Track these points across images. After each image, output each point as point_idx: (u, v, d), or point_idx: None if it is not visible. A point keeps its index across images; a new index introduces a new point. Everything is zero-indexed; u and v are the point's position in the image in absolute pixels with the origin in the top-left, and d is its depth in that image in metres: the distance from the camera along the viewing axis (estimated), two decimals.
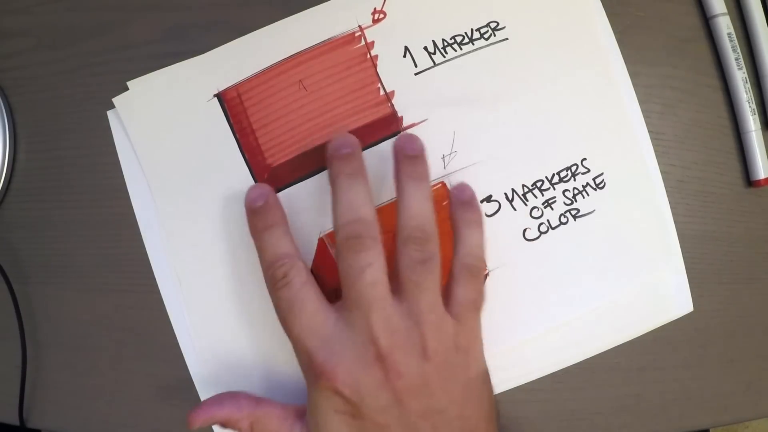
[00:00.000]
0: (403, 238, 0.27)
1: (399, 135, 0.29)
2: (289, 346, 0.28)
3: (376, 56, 0.32)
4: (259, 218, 0.28)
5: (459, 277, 0.28)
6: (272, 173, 0.32)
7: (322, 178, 0.32)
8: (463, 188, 0.30)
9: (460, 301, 0.28)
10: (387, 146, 0.32)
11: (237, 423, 0.28)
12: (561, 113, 0.32)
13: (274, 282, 0.27)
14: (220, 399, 0.29)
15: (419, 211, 0.27)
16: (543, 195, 0.32)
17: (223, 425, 0.29)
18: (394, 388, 0.26)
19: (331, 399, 0.26)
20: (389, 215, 0.30)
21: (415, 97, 0.32)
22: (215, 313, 0.32)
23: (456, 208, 0.30)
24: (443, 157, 0.32)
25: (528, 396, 0.33)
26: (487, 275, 0.32)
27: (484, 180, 0.32)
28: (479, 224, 0.29)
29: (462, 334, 0.27)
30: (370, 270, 0.26)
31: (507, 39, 0.32)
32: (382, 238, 0.27)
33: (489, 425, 0.28)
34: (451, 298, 0.28)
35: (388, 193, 0.32)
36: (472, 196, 0.30)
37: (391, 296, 0.26)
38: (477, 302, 0.28)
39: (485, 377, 0.29)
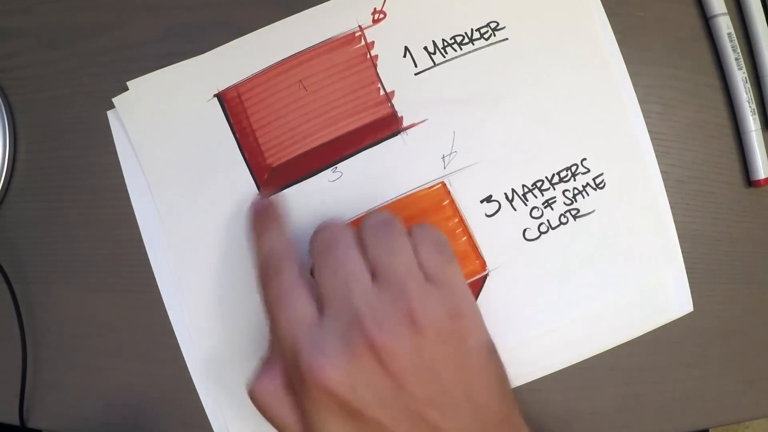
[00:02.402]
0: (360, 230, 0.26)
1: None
2: None
3: (376, 56, 0.32)
4: (258, 221, 0.28)
5: (416, 240, 0.26)
6: (272, 173, 0.32)
7: (321, 178, 0.32)
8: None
9: (429, 261, 0.25)
10: (387, 146, 0.32)
11: None
12: (561, 113, 0.32)
13: (266, 273, 0.26)
14: None
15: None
16: (543, 195, 0.32)
17: None
18: (390, 373, 0.23)
19: (324, 403, 0.23)
20: (398, 209, 0.30)
21: (415, 97, 0.32)
22: (215, 313, 0.32)
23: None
24: (443, 157, 0.32)
25: (528, 396, 0.33)
26: (486, 276, 0.32)
27: (484, 180, 0.32)
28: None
29: (449, 298, 0.25)
30: (341, 247, 0.25)
31: (507, 39, 0.32)
32: None
33: (503, 405, 0.25)
34: (419, 264, 0.25)
35: (390, 192, 0.32)
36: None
37: (370, 277, 0.25)
38: (446, 254, 0.26)
39: (489, 347, 0.25)
